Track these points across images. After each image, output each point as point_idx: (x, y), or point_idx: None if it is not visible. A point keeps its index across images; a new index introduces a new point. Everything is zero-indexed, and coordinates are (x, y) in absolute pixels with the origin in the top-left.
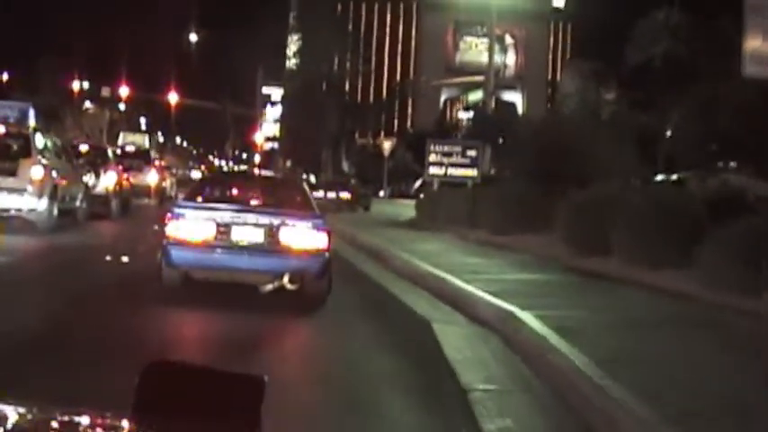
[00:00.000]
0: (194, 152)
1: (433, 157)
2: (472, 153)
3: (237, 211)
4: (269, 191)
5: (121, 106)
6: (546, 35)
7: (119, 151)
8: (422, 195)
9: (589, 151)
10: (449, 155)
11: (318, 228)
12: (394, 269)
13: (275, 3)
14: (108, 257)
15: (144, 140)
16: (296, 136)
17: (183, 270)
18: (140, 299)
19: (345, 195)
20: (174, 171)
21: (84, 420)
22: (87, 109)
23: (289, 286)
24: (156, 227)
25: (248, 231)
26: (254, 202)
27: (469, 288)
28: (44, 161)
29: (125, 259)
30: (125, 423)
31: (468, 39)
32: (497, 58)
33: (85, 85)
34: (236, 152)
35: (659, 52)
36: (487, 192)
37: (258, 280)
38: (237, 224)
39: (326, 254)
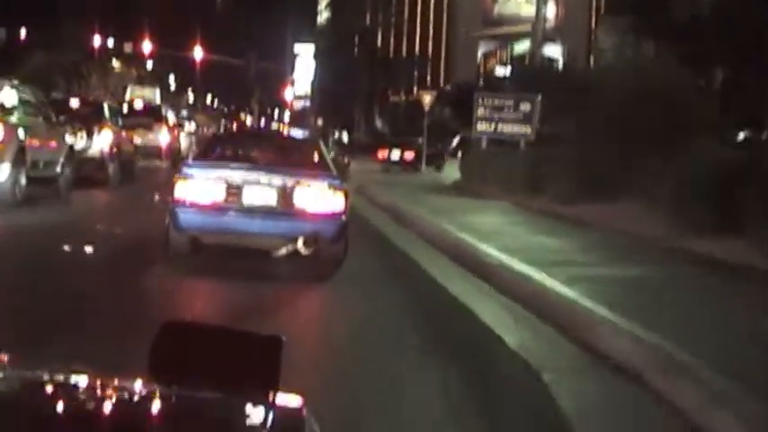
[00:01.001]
0: (225, 110)
1: (481, 112)
2: (526, 108)
3: (249, 171)
4: (284, 150)
5: (149, 64)
6: None
7: (125, 108)
8: (459, 154)
9: (666, 108)
10: (499, 109)
11: (335, 189)
12: (447, 251)
13: None
14: (83, 246)
15: (154, 95)
16: (327, 93)
17: (192, 234)
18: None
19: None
20: (195, 130)
21: (99, 381)
22: (113, 67)
23: (303, 251)
24: (158, 196)
25: (260, 193)
26: (267, 163)
27: (571, 294)
28: (11, 119)
29: (106, 246)
30: (140, 384)
31: None
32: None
33: (110, 42)
34: (268, 110)
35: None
36: (549, 153)
37: (271, 244)
38: (249, 185)
39: (343, 217)
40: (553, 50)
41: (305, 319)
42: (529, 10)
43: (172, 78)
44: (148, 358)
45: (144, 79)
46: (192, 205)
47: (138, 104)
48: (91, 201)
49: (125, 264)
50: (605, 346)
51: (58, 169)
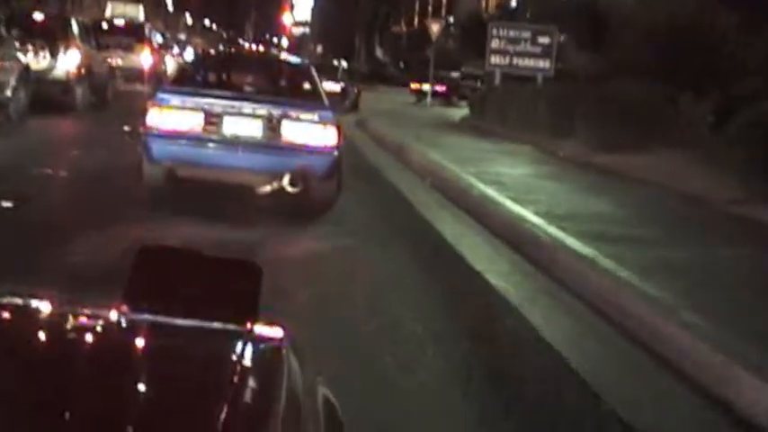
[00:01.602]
0: (224, 35)
1: (495, 44)
2: (545, 40)
3: (231, 98)
4: (272, 76)
5: None
6: None
7: (105, 26)
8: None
9: (715, 42)
10: (515, 41)
11: (326, 121)
12: (476, 216)
13: None
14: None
15: (138, 11)
16: (328, 20)
17: (167, 166)
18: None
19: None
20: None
21: (71, 309)
22: None
23: (289, 189)
24: (128, 127)
25: (243, 123)
26: (252, 90)
27: (660, 296)
28: None
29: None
30: (115, 311)
31: None
32: None
33: None
34: (267, 36)
35: None
36: (577, 90)
37: (254, 180)
38: (231, 114)
39: (335, 151)
40: None
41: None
42: None
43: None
44: (127, 282)
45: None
46: (167, 134)
47: (119, 22)
48: (47, 129)
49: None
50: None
51: (8, 92)
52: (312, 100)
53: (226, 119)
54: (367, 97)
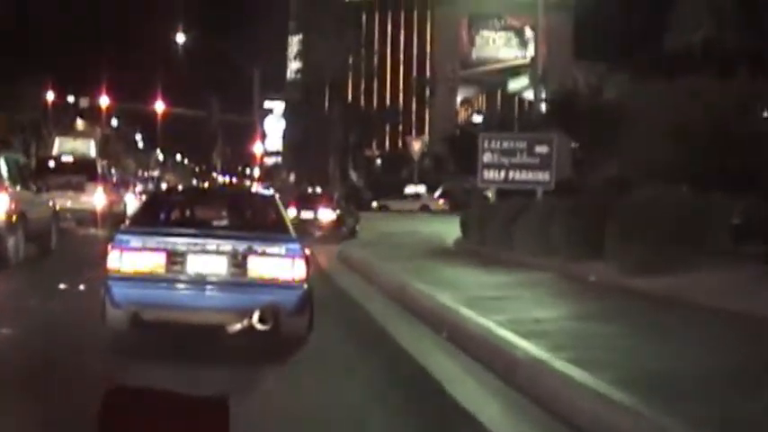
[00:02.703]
0: (196, 169)
1: (488, 158)
2: (543, 149)
3: (194, 236)
4: (235, 210)
5: (114, 122)
6: (570, 26)
7: (51, 163)
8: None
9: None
10: (510, 153)
11: (294, 254)
12: (525, 389)
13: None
14: None
15: (88, 147)
16: (299, 148)
17: (131, 310)
18: None
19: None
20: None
21: None
22: (75, 126)
23: (259, 326)
24: (63, 285)
25: (207, 260)
26: (216, 224)
27: None
28: None
29: None
30: None
31: (485, 33)
32: (516, 53)
33: (69, 99)
34: (239, 168)
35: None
36: (597, 203)
37: (222, 319)
38: (194, 252)
39: (304, 285)
40: (529, 94)
41: None
42: (507, 52)
43: (139, 137)
44: (97, 425)
45: (111, 140)
46: (129, 277)
47: (68, 159)
48: None
49: None
50: None
51: None
52: (278, 232)
53: (189, 257)
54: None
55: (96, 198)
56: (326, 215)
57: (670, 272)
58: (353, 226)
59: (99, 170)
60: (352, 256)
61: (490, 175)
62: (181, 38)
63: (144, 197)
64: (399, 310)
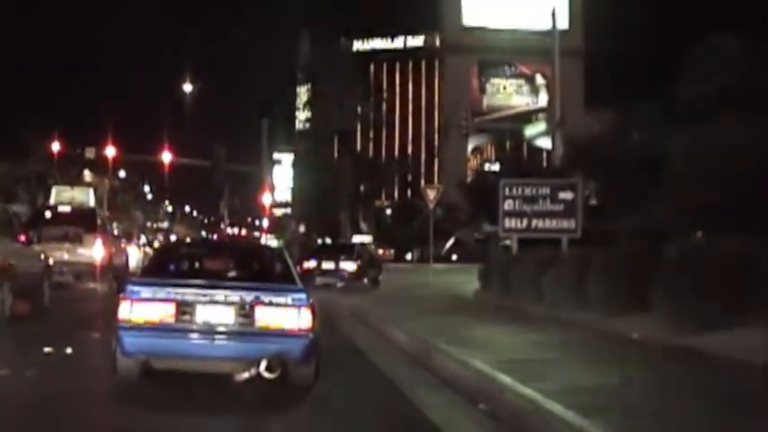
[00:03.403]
0: (204, 221)
1: (509, 205)
2: (567, 195)
3: (202, 286)
4: (243, 261)
5: (122, 173)
6: (581, 73)
7: (48, 213)
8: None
9: None
10: (532, 200)
11: (300, 304)
12: None
13: (278, 53)
14: None
15: (87, 196)
16: (309, 199)
17: (141, 359)
18: None
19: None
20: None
21: None
22: (82, 177)
23: (267, 375)
24: (48, 349)
25: (215, 311)
26: (223, 275)
27: None
28: None
29: None
30: None
31: (495, 80)
32: (527, 100)
33: (75, 150)
34: (247, 219)
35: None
36: (642, 253)
37: (230, 368)
38: (202, 303)
39: (311, 334)
40: (546, 142)
41: None
42: (518, 100)
43: (147, 188)
44: None
45: (118, 192)
46: (140, 327)
47: (65, 209)
48: None
49: None
50: None
51: None
52: (285, 283)
53: (198, 307)
54: None
55: (95, 250)
56: (348, 266)
57: (726, 328)
58: (376, 276)
59: (98, 221)
60: (369, 310)
61: (512, 223)
62: (188, 87)
63: (147, 249)
64: (425, 376)
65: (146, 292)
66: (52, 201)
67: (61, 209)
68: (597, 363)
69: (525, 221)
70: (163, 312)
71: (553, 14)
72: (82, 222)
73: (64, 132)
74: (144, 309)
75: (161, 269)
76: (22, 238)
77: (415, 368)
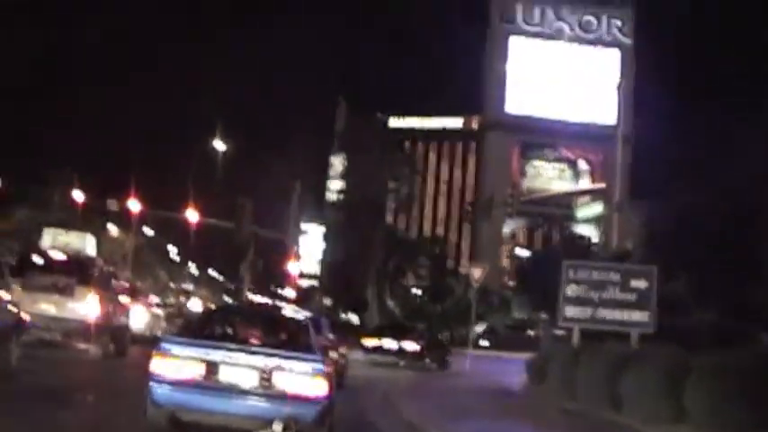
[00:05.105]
0: (229, 287)
1: (572, 290)
2: (640, 284)
3: (230, 350)
4: (269, 329)
5: (148, 231)
6: (628, 161)
7: (38, 259)
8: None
9: None
10: (599, 286)
11: (318, 373)
12: None
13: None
14: None
15: (84, 242)
16: (338, 271)
17: (170, 410)
18: None
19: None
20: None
21: None
22: (107, 231)
23: None
24: None
25: (239, 373)
26: (250, 341)
27: None
28: None
29: None
30: None
31: (536, 162)
32: (569, 185)
33: (102, 202)
34: (272, 286)
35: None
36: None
37: (250, 425)
38: (227, 364)
39: (325, 400)
40: (588, 230)
41: None
42: (560, 185)
43: (172, 248)
44: None
45: (143, 249)
46: (170, 381)
47: (59, 256)
48: None
49: None
50: None
51: None
52: (306, 352)
53: (223, 368)
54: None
55: (88, 306)
56: (410, 345)
57: None
58: (443, 357)
59: (95, 272)
60: (404, 417)
61: (574, 312)
62: (220, 146)
63: (158, 311)
64: None
65: (177, 349)
66: (45, 245)
67: (54, 255)
68: None
69: (590, 310)
70: (192, 370)
71: (618, 87)
72: (76, 272)
73: (90, 183)
74: (174, 365)
75: (195, 330)
76: None
77: None
